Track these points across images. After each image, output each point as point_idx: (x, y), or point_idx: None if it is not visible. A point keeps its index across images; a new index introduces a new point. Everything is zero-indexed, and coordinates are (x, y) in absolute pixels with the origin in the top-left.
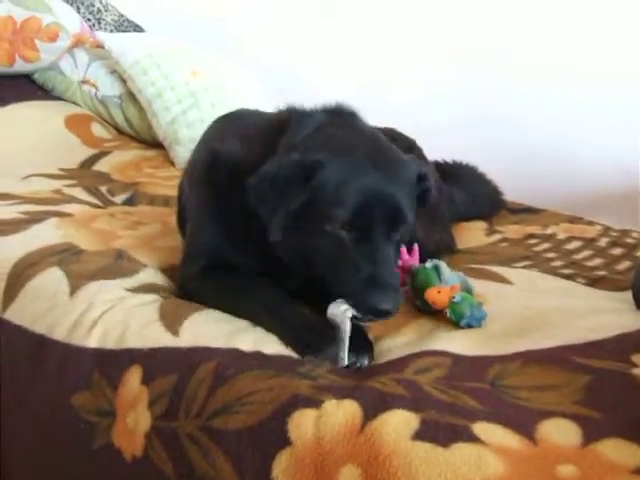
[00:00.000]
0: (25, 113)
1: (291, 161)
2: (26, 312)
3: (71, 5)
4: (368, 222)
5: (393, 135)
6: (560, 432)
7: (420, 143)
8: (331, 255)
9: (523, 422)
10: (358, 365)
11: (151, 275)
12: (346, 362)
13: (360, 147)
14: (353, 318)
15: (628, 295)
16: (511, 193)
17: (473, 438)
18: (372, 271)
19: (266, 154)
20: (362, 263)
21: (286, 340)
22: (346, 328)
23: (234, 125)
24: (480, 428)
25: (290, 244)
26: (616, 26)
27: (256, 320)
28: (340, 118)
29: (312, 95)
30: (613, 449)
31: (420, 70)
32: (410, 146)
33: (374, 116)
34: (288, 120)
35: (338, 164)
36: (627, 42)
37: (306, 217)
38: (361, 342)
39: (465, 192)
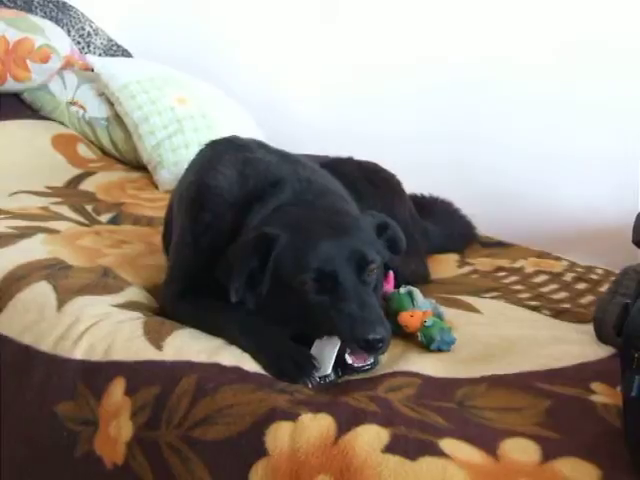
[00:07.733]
0: (13, 131)
1: (245, 239)
2: (14, 323)
3: (62, 28)
4: (333, 274)
5: (375, 168)
6: (521, 450)
7: (402, 178)
8: (312, 314)
9: (487, 439)
10: (326, 381)
11: (135, 293)
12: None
13: (313, 218)
14: (346, 369)
15: (590, 327)
16: (484, 230)
17: (439, 452)
18: (352, 311)
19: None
20: (340, 309)
21: (261, 364)
22: (334, 347)
23: (226, 157)
24: (446, 444)
25: (271, 312)
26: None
27: (232, 342)
28: (302, 196)
29: (296, 126)
30: (570, 467)
31: (405, 109)
32: (389, 180)
33: (360, 150)
34: (257, 194)
35: (293, 236)
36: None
37: (278, 289)
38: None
39: (439, 226)
